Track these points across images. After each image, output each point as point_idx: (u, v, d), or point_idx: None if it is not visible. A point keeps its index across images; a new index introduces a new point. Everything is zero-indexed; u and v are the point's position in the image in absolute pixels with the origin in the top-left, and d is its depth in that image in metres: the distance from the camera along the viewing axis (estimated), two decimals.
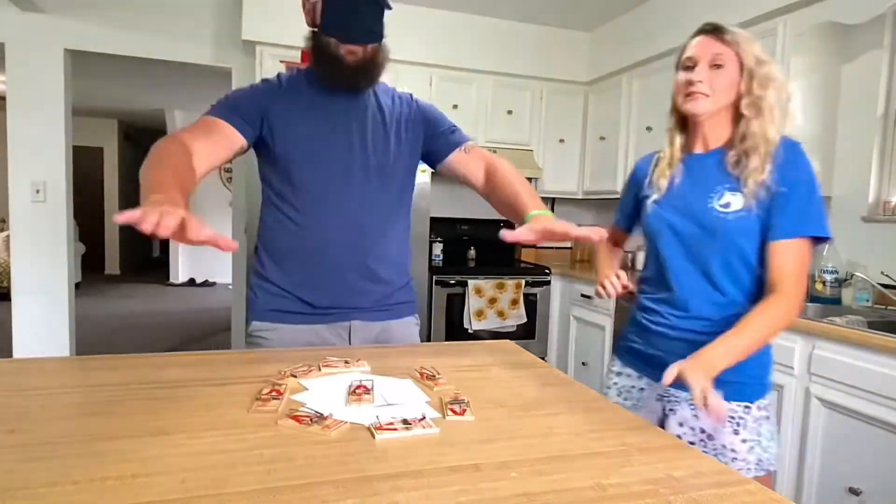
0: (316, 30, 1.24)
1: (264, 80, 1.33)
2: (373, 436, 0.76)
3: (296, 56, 2.95)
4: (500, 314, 3.28)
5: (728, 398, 1.00)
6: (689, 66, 1.13)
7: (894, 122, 2.26)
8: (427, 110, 1.40)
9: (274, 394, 0.89)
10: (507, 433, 0.80)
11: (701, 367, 0.94)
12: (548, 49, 3.65)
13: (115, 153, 8.63)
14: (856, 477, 1.71)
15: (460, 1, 3.31)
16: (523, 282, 3.31)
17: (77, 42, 3.13)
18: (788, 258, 1.06)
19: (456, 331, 3.25)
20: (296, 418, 0.80)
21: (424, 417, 0.81)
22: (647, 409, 1.22)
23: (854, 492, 1.70)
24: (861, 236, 2.31)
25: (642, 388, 1.26)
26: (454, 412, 0.85)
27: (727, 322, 1.07)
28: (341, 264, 1.29)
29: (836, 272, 2.22)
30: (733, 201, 1.10)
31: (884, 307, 2.14)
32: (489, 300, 3.25)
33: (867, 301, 2.17)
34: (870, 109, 2.29)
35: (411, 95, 1.43)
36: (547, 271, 3.48)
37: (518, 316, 3.32)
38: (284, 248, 1.31)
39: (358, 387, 0.93)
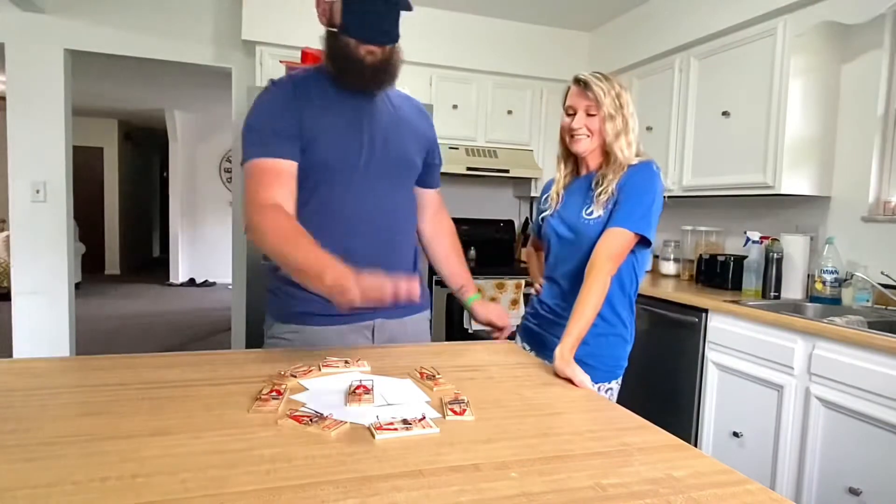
0: (333, 30, 1.22)
1: (275, 89, 1.27)
2: (373, 436, 0.76)
3: (296, 56, 2.94)
4: None
5: None
6: (571, 113, 1.45)
7: (894, 122, 2.26)
8: (432, 133, 1.48)
9: (274, 394, 0.89)
10: (507, 433, 0.79)
11: (560, 362, 1.15)
12: (548, 49, 3.65)
13: (115, 153, 8.64)
14: (856, 477, 1.71)
15: (460, 1, 3.31)
16: (523, 282, 3.31)
17: (77, 42, 3.13)
18: (608, 241, 1.33)
19: (456, 331, 3.25)
20: (296, 418, 0.80)
21: (424, 417, 0.81)
22: None
23: (854, 492, 1.70)
24: (861, 236, 2.31)
25: None
26: (454, 412, 0.85)
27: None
28: (361, 264, 1.29)
29: (836, 272, 2.22)
30: (595, 210, 1.40)
31: (884, 307, 2.14)
32: (489, 300, 3.24)
33: (867, 301, 2.17)
34: (870, 109, 2.29)
35: (421, 104, 1.47)
36: None
37: (518, 316, 3.29)
38: None
39: (358, 387, 0.93)
